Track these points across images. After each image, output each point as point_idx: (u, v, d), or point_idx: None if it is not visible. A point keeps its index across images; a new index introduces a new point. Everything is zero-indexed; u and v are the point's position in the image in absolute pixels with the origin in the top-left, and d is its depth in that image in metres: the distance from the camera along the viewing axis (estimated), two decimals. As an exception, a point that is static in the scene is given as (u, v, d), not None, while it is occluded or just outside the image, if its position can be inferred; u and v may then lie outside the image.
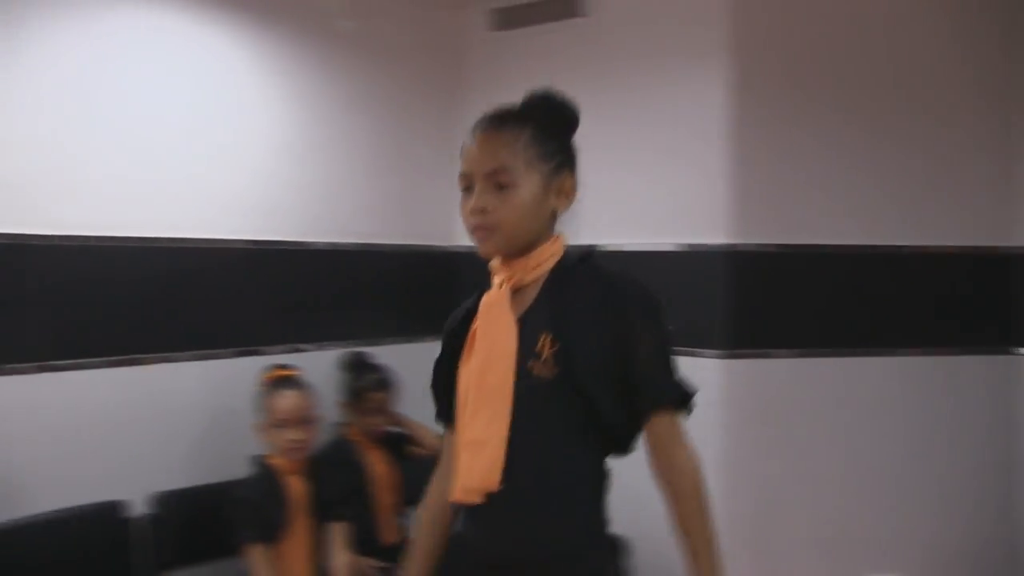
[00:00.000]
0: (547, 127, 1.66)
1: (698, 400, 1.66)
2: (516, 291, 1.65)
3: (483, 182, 1.60)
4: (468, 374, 1.64)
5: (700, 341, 3.32)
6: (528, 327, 1.60)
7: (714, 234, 3.32)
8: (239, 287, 3.30)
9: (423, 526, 1.83)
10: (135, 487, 2.91)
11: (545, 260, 1.65)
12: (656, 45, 3.46)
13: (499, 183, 1.58)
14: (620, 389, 1.57)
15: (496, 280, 1.67)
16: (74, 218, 2.86)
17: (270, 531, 2.80)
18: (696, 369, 3.24)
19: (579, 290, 1.62)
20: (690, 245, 3.36)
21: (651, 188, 3.47)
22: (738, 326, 3.32)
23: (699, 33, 3.36)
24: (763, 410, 3.35)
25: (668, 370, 1.61)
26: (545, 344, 1.56)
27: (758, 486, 3.34)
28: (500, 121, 1.65)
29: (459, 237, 3.40)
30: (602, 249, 3.53)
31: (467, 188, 1.63)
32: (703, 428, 3.30)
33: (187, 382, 3.14)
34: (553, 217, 1.67)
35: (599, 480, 1.64)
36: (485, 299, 1.67)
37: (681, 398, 1.62)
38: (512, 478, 1.56)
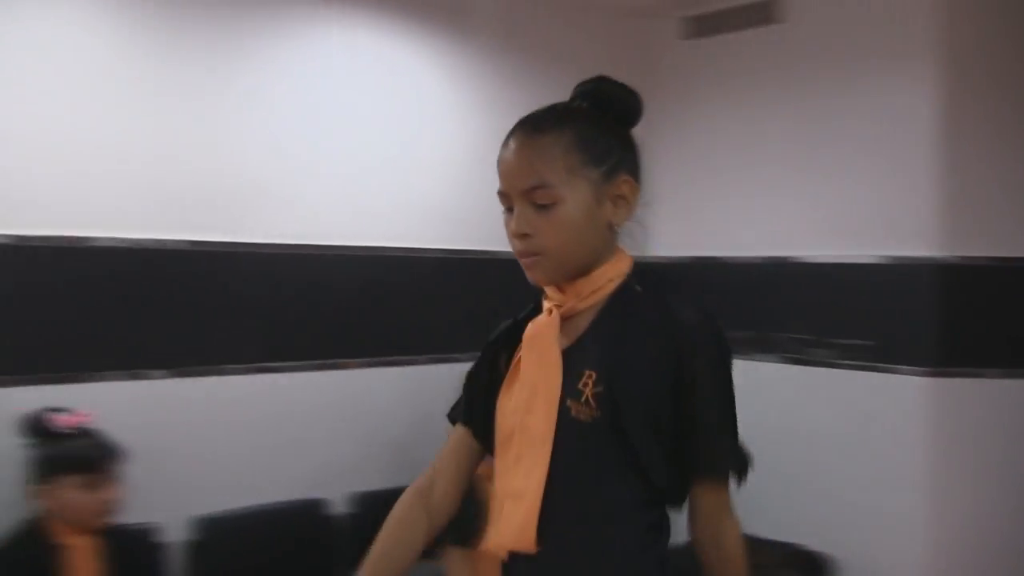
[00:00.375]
0: (595, 123, 1.39)
1: (895, 424, 1.45)
2: (568, 317, 1.41)
3: (522, 201, 1.35)
4: (510, 412, 1.43)
5: (900, 358, 3.19)
6: (574, 361, 1.37)
7: (919, 246, 3.17)
8: (434, 295, 3.40)
9: (394, 522, 1.56)
10: (336, 486, 3.05)
11: (603, 285, 1.40)
12: (858, 49, 3.33)
13: (538, 202, 1.34)
14: (671, 442, 1.35)
15: (546, 305, 1.44)
16: (283, 228, 3.03)
17: (468, 535, 2.85)
18: (895, 386, 3.21)
19: (639, 323, 1.37)
20: (893, 257, 3.22)
21: (852, 197, 3.34)
22: (945, 343, 3.15)
23: (904, 35, 3.22)
24: (972, 432, 3.17)
25: (728, 435, 1.38)
26: (588, 383, 1.34)
27: (965, 512, 3.17)
28: (536, 125, 1.38)
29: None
30: (797, 260, 3.44)
31: (508, 208, 1.39)
32: (902, 446, 3.23)
33: (385, 387, 3.26)
34: (611, 229, 1.41)
35: (651, 529, 1.40)
36: (531, 328, 1.43)
37: (738, 469, 1.38)
38: (549, 533, 1.36)
